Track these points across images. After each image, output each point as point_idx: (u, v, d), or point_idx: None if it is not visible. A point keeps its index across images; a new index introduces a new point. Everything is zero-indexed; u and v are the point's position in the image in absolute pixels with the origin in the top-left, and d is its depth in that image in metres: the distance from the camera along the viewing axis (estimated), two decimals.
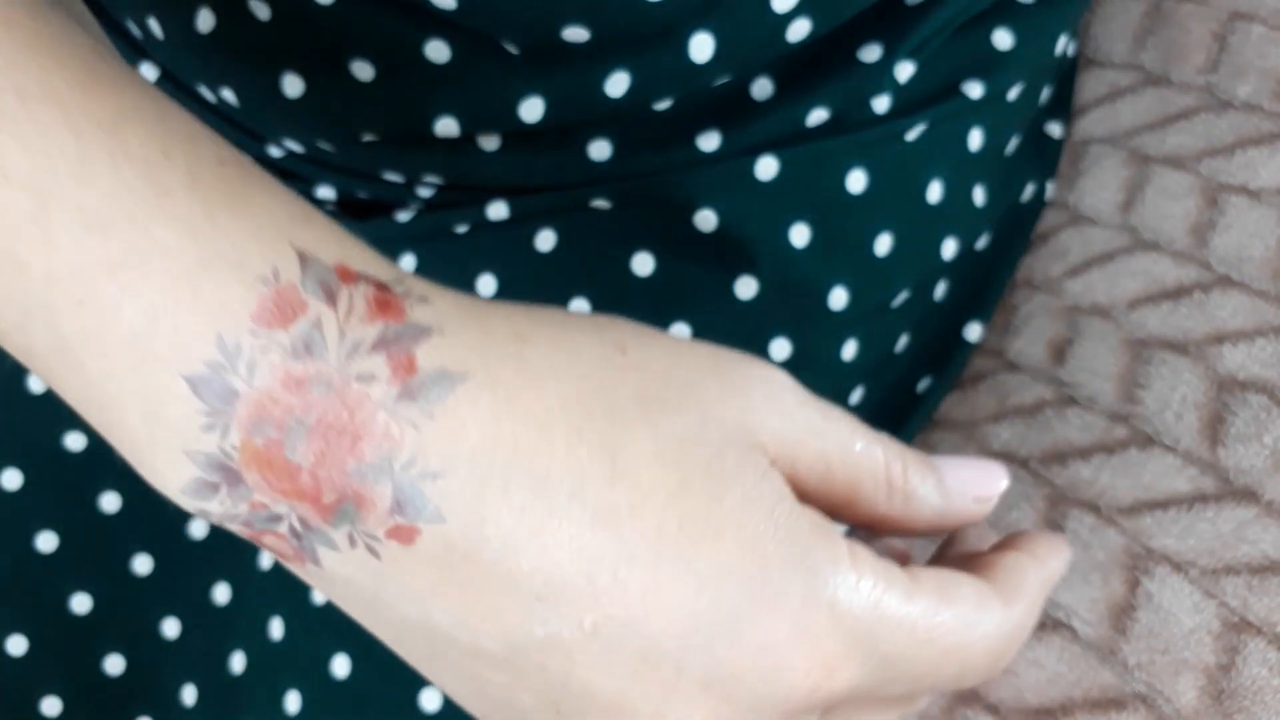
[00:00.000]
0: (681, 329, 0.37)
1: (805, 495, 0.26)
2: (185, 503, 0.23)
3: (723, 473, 0.24)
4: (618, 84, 0.34)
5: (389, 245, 0.38)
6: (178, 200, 0.23)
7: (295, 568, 0.24)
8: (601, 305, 0.37)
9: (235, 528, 0.24)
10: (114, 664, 0.40)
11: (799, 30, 0.34)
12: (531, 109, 0.35)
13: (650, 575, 0.23)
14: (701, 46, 0.33)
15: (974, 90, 0.38)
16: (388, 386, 0.23)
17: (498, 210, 0.38)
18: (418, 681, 0.37)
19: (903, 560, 0.27)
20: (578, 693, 0.24)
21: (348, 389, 0.23)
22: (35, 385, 0.39)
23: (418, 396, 0.23)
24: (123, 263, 0.23)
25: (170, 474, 0.23)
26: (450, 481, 0.23)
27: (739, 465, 0.24)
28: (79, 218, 0.23)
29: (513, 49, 0.34)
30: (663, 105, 0.36)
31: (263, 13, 0.34)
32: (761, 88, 0.36)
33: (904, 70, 0.37)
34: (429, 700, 0.37)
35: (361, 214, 0.39)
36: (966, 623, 0.26)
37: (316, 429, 0.23)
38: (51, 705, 0.40)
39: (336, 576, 0.24)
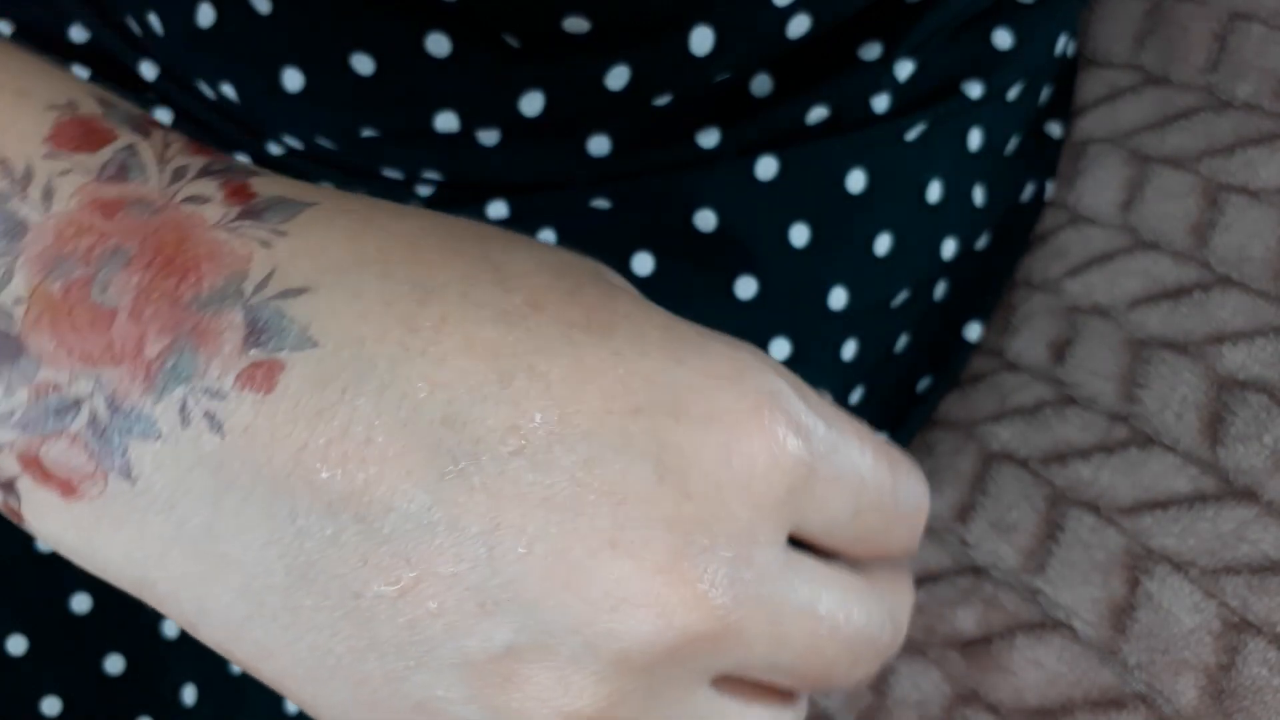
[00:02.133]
0: None
1: None
2: None
3: (609, 281, 0.21)
4: (618, 77, 0.34)
5: None
6: None
7: (87, 510, 0.18)
8: None
9: (4, 436, 0.18)
10: (114, 664, 0.40)
11: (799, 25, 0.34)
12: (531, 102, 0.35)
13: (570, 361, 0.19)
14: (702, 40, 0.33)
15: (974, 90, 0.38)
16: (224, 207, 0.18)
17: (497, 210, 0.38)
18: None
19: None
20: (507, 549, 0.18)
21: (176, 210, 0.18)
22: None
23: (263, 216, 0.19)
24: None
25: None
26: (318, 297, 0.18)
27: (618, 280, 0.22)
28: None
29: (513, 41, 0.34)
30: (663, 100, 0.36)
31: (263, 7, 0.34)
32: (761, 85, 0.36)
33: (904, 69, 0.37)
34: None
35: None
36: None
37: (138, 258, 0.17)
38: (51, 705, 0.40)
39: (155, 492, 0.18)
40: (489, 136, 0.36)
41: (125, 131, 0.19)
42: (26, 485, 0.19)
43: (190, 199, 0.18)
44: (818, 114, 0.37)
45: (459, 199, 0.38)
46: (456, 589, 0.18)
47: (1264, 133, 0.38)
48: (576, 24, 0.33)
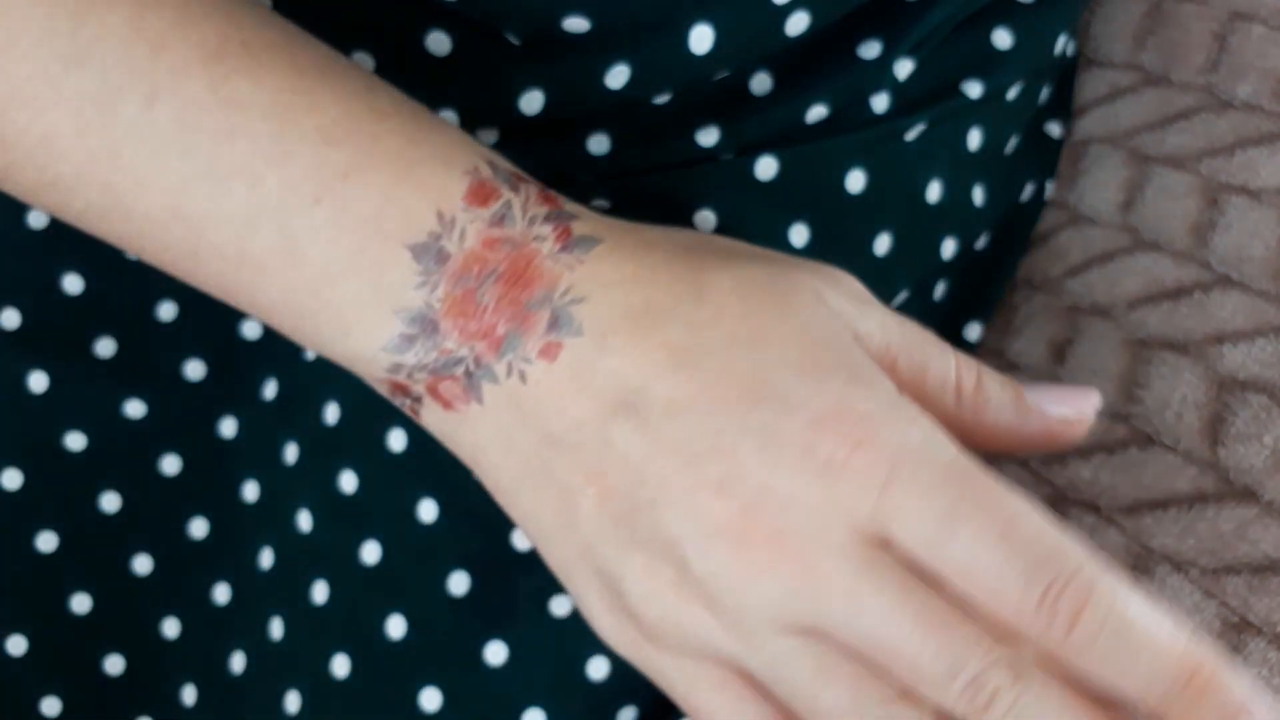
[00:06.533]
0: None
1: None
2: (381, 360, 0.30)
3: (788, 304, 0.29)
4: (618, 76, 0.34)
5: None
6: (392, 120, 0.31)
7: (454, 416, 0.30)
8: None
9: (418, 378, 0.30)
10: (114, 664, 0.40)
11: (798, 23, 0.34)
12: (531, 101, 0.35)
13: (720, 362, 0.28)
14: (701, 38, 0.33)
15: (973, 90, 0.38)
16: (553, 244, 0.30)
17: None
18: (417, 681, 0.37)
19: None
20: (653, 480, 0.28)
21: (527, 246, 0.30)
22: (36, 384, 0.39)
23: (573, 250, 0.30)
24: (357, 166, 0.30)
25: (376, 333, 0.30)
26: (591, 305, 0.29)
27: (802, 301, 0.29)
28: (316, 135, 0.30)
29: (513, 40, 0.34)
30: (662, 99, 0.36)
31: (264, 5, 0.34)
32: (760, 83, 0.36)
33: (903, 68, 0.37)
34: (429, 700, 0.37)
35: None
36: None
37: (502, 278, 0.30)
38: (51, 705, 0.40)
39: (486, 412, 0.30)
40: (488, 135, 0.36)
41: (505, 189, 0.31)
42: (426, 401, 0.31)
43: (536, 238, 0.30)
44: (817, 112, 0.37)
45: None
46: (610, 484, 0.29)
47: (1264, 133, 0.38)
48: (576, 23, 0.33)
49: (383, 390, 0.32)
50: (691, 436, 0.28)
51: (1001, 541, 0.26)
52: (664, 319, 0.29)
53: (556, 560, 0.30)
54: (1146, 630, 0.25)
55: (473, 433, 0.31)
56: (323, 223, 0.30)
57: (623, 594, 0.29)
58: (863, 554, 0.27)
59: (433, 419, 0.31)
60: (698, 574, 0.28)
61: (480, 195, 0.30)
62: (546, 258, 0.30)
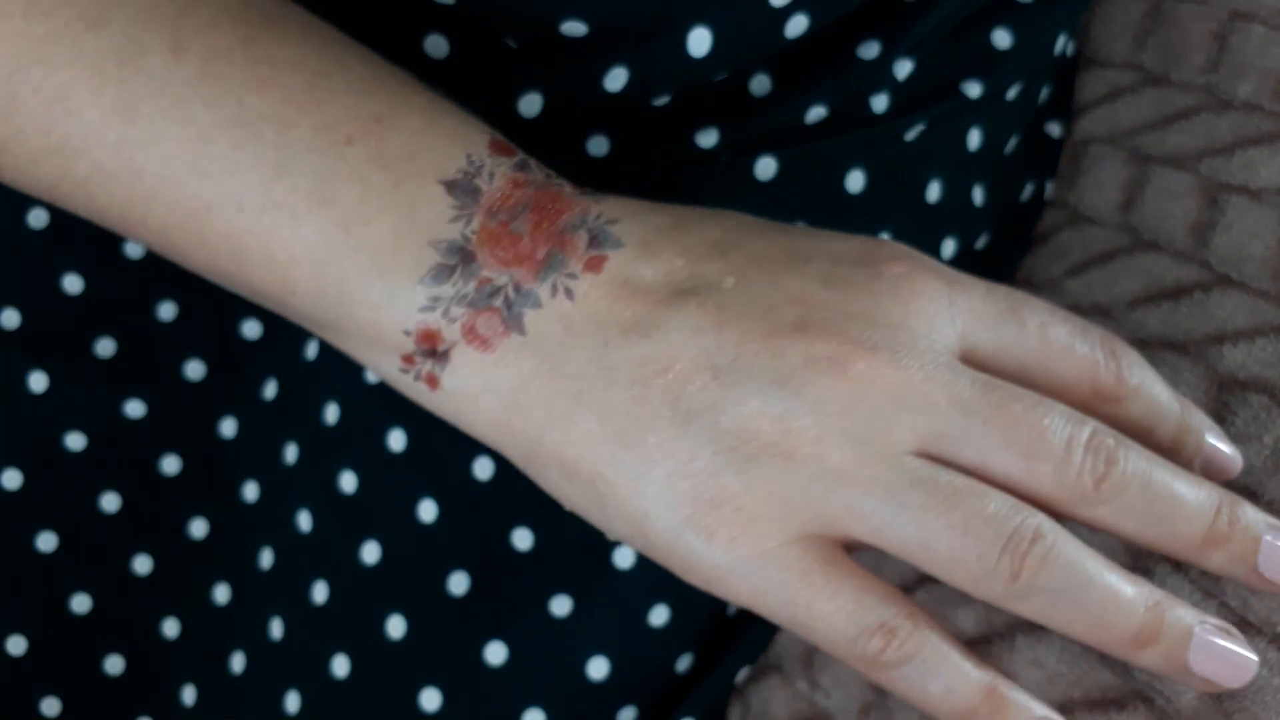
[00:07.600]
0: None
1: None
2: (416, 297, 0.30)
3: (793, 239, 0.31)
4: (616, 79, 0.34)
5: None
6: (413, 83, 0.32)
7: (489, 360, 0.30)
8: None
9: (455, 314, 0.30)
10: (114, 664, 0.40)
11: (797, 25, 0.34)
12: (530, 104, 0.35)
13: (759, 244, 0.30)
14: (700, 41, 0.34)
15: (973, 90, 0.38)
16: (572, 189, 0.32)
17: None
18: (417, 681, 0.37)
19: None
20: (731, 340, 0.29)
21: (551, 187, 0.31)
22: (36, 384, 0.39)
23: (591, 194, 0.32)
24: (388, 113, 0.31)
25: (412, 266, 0.30)
26: (625, 224, 0.31)
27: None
28: (346, 87, 0.31)
29: (511, 43, 0.34)
30: (661, 101, 0.36)
31: None
32: (759, 84, 0.36)
33: (902, 68, 0.38)
34: (428, 700, 0.37)
35: None
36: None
37: (534, 209, 0.31)
38: (51, 705, 0.40)
39: (533, 340, 0.30)
40: None
41: (519, 151, 0.32)
42: (459, 348, 0.30)
43: (555, 183, 0.32)
44: (816, 113, 0.37)
45: None
46: (685, 364, 0.29)
47: (1264, 133, 0.38)
48: (574, 26, 0.33)
49: (395, 364, 0.31)
50: (757, 295, 0.29)
51: (1057, 313, 0.30)
52: (696, 225, 0.31)
53: (630, 469, 0.29)
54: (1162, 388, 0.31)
55: (514, 371, 0.30)
56: (356, 161, 0.30)
57: (718, 472, 0.28)
58: (952, 359, 0.29)
59: (458, 379, 0.31)
60: (801, 411, 0.28)
61: (501, 149, 0.32)
62: (572, 195, 0.31)
